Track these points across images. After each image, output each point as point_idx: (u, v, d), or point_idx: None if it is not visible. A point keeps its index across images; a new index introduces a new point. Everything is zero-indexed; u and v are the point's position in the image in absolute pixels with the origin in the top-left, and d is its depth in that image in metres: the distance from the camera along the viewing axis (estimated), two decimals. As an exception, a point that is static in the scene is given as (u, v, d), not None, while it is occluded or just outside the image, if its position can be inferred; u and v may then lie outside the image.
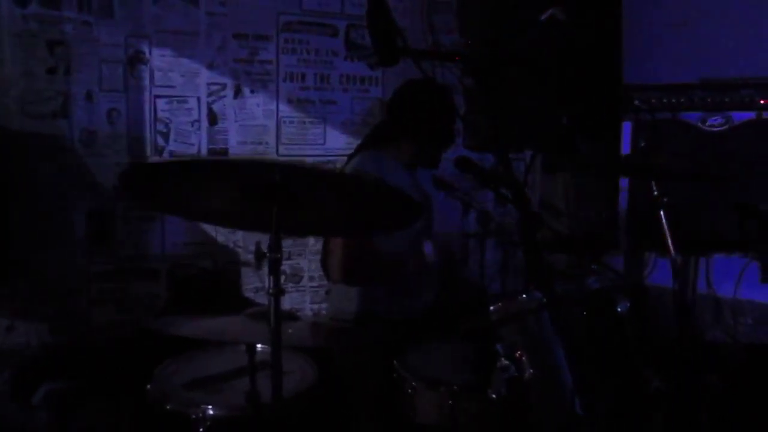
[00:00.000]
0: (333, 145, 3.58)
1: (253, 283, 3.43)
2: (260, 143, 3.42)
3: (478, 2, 3.76)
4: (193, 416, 1.85)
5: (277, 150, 3.46)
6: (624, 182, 3.16)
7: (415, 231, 2.67)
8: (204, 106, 3.29)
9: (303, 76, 3.48)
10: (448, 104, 2.65)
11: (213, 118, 3.31)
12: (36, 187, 2.96)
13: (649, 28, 3.44)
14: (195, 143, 3.28)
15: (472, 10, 3.74)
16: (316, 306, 3.58)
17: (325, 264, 2.97)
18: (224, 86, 3.32)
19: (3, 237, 2.76)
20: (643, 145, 2.46)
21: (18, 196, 2.90)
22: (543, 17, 1.91)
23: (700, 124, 2.99)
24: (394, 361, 2.11)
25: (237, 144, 3.37)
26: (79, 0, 2.99)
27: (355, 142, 3.50)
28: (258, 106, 3.40)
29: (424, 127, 2.60)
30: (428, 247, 2.55)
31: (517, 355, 1.84)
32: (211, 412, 1.85)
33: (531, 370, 1.84)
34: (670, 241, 2.23)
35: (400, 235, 2.61)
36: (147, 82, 3.16)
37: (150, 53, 3.15)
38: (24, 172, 2.93)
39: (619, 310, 2.03)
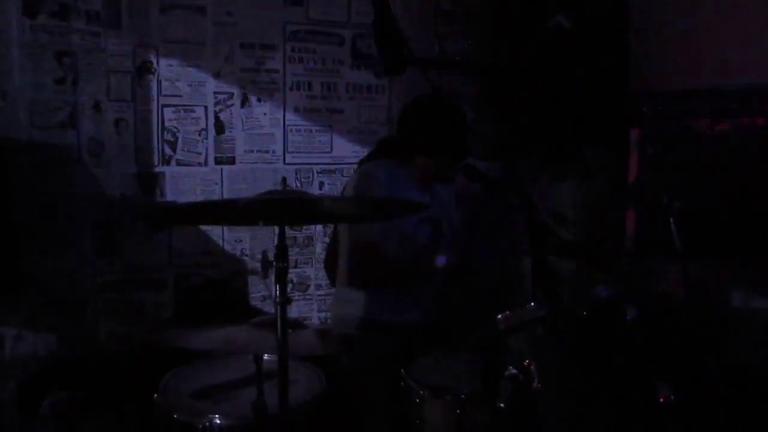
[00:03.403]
0: (339, 153, 3.58)
1: (260, 292, 3.43)
2: (267, 151, 3.42)
3: (484, 11, 3.77)
4: (200, 426, 1.85)
5: (284, 158, 3.46)
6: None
7: (425, 240, 2.67)
8: (211, 115, 3.30)
9: (309, 85, 3.49)
10: (460, 120, 2.64)
11: (220, 127, 3.32)
12: (44, 197, 2.97)
13: (658, 35, 3.43)
14: (202, 152, 3.29)
15: (479, 19, 3.75)
16: (323, 314, 3.58)
17: (328, 267, 2.98)
18: (231, 95, 3.33)
19: (11, 247, 2.77)
20: (650, 152, 2.45)
21: (26, 206, 2.91)
22: (549, 25, 1.91)
23: (709, 132, 2.98)
24: (402, 370, 2.10)
25: (244, 152, 3.37)
26: (88, 11, 3.01)
27: (361, 150, 3.51)
28: (265, 114, 3.41)
29: (436, 142, 2.58)
30: (441, 260, 2.52)
31: (525, 364, 1.83)
32: (218, 421, 1.84)
33: (539, 380, 1.82)
34: (681, 249, 2.22)
35: (410, 243, 2.62)
36: (154, 91, 3.17)
37: (157, 63, 3.16)
38: (32, 182, 2.94)
39: (628, 319, 2.01)
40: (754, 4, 3.17)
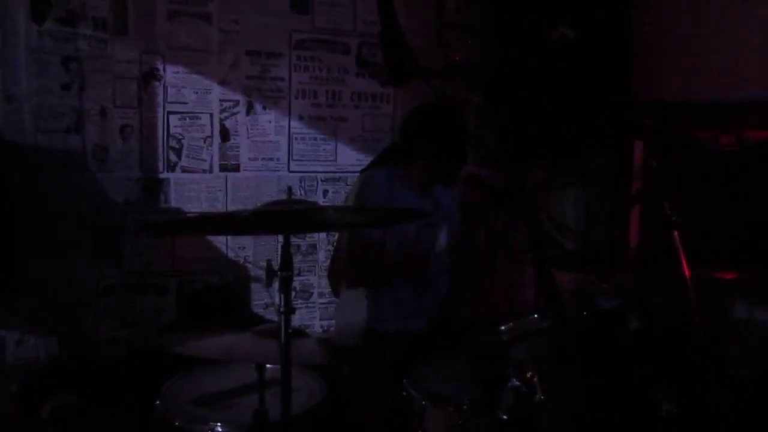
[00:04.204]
0: (344, 161, 3.59)
1: (263, 299, 3.43)
2: (272, 159, 3.43)
3: (488, 21, 3.78)
4: (201, 433, 1.84)
5: (289, 166, 3.47)
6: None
7: (425, 243, 2.69)
8: (216, 123, 3.31)
9: (315, 93, 3.50)
10: (459, 124, 2.66)
11: (225, 135, 3.33)
12: (47, 202, 2.98)
13: (661, 46, 3.44)
14: (207, 159, 3.30)
15: (483, 29, 3.76)
16: (325, 322, 3.57)
17: (332, 278, 2.98)
18: (236, 103, 3.34)
19: (13, 251, 2.78)
20: (654, 164, 2.45)
21: (29, 210, 2.91)
22: (553, 36, 1.92)
23: (712, 144, 2.98)
24: (404, 380, 2.10)
25: (248, 160, 3.38)
26: (94, 17, 3.03)
27: (365, 158, 3.52)
28: (270, 122, 3.42)
29: (436, 147, 2.60)
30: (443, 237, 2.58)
31: (528, 375, 1.83)
32: (219, 429, 1.84)
33: (541, 391, 1.82)
34: (683, 260, 2.22)
35: (410, 245, 2.64)
36: (160, 98, 3.19)
37: (163, 70, 3.18)
38: (36, 186, 2.95)
39: (630, 329, 2.01)
40: (758, 16, 3.18)
